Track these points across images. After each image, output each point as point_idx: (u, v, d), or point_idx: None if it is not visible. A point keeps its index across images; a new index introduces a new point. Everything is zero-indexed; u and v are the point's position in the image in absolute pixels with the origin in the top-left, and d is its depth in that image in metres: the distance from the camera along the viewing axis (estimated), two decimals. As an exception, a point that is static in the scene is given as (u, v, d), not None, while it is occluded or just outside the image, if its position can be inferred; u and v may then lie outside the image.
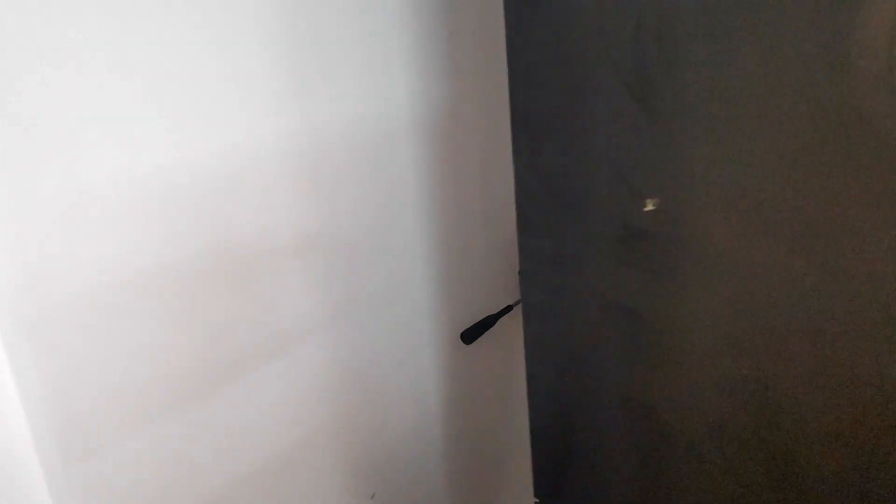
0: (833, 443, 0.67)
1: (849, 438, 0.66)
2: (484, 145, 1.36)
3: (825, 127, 0.63)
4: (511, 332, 1.67)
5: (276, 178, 0.98)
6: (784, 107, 0.65)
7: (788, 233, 0.67)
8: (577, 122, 0.81)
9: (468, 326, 1.45)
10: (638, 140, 0.75)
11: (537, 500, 0.95)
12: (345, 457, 1.16)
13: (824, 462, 0.68)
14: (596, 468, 0.89)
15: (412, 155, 1.22)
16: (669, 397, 0.76)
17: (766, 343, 0.70)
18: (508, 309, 1.54)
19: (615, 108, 0.76)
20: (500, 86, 1.39)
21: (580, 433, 0.91)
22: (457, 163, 1.31)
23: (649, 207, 0.71)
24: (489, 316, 1.49)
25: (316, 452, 1.10)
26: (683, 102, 0.71)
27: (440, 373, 1.38)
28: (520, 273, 1.59)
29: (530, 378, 0.98)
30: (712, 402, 0.73)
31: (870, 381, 0.65)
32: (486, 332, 1.46)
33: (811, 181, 0.66)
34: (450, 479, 1.43)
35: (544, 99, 0.85)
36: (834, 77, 0.62)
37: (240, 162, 0.93)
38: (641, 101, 0.74)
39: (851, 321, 0.66)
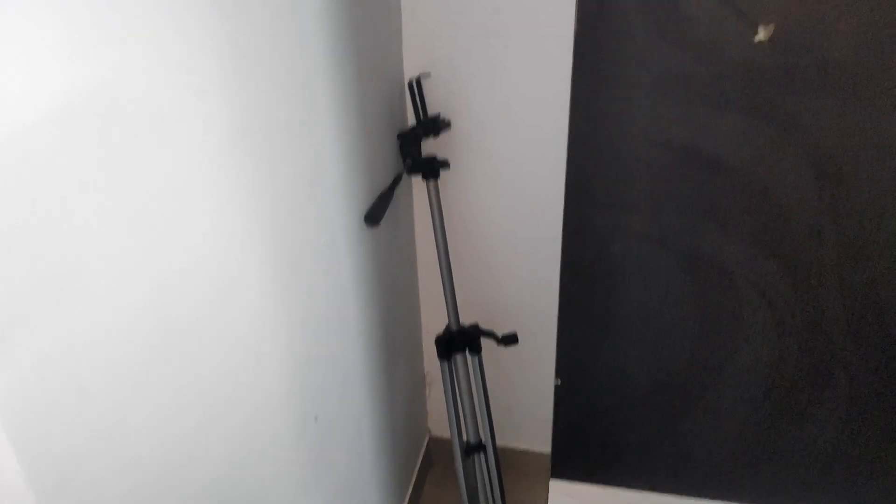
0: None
1: None
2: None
3: None
4: (400, 202, 1.55)
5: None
6: None
7: None
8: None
9: (367, 208, 1.29)
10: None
11: (558, 381, 0.89)
12: (288, 375, 1.03)
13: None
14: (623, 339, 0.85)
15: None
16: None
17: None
18: (398, 180, 1.40)
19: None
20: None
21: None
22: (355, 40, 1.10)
23: (760, 37, 0.61)
24: (383, 192, 1.35)
25: (259, 369, 0.96)
26: None
27: (355, 259, 1.23)
28: (398, 136, 1.45)
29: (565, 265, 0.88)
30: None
31: None
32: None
33: None
34: (369, 363, 1.35)
35: None
36: None
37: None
38: None
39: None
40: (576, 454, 0.94)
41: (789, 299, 0.78)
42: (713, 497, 0.87)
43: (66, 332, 0.61)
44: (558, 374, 0.89)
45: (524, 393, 1.79)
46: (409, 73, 1.47)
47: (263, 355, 0.96)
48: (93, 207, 0.62)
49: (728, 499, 0.86)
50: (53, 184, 0.57)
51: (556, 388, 0.90)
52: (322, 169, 1.10)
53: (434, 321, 1.76)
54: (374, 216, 1.30)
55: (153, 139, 0.68)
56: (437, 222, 1.47)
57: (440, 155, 1.50)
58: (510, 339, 1.54)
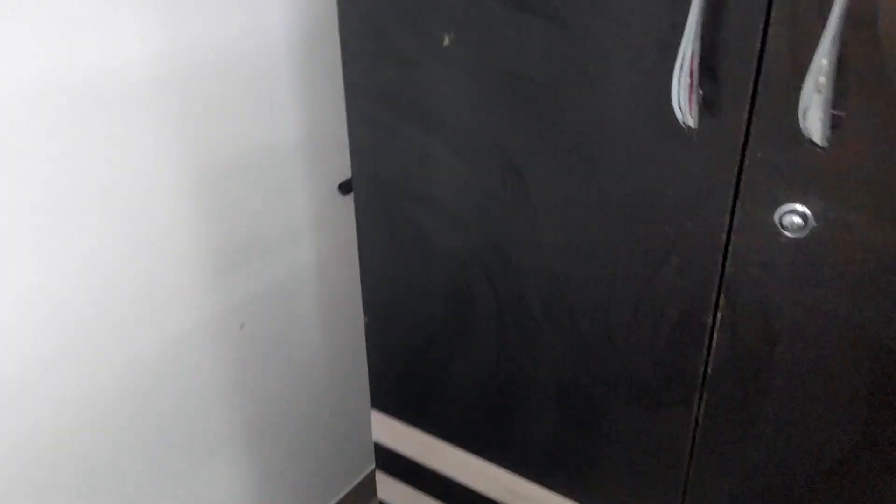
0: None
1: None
2: None
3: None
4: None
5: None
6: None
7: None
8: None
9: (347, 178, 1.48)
10: None
11: (367, 320, 1.06)
12: (215, 284, 1.22)
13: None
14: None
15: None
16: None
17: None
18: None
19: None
20: None
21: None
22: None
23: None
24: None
25: (184, 278, 1.16)
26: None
27: (317, 221, 1.41)
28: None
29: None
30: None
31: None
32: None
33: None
34: (321, 321, 1.52)
35: None
36: None
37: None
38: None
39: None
40: (393, 391, 1.08)
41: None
42: (527, 476, 1.00)
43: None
44: (365, 311, 1.05)
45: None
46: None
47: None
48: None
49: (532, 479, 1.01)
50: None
51: (367, 325, 1.06)
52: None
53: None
54: (349, 185, 1.48)
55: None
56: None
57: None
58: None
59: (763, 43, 0.61)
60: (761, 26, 0.60)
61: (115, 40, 0.96)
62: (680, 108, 0.64)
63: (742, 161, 0.66)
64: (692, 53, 0.61)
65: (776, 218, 0.66)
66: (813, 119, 0.58)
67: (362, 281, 1.03)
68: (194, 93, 1.09)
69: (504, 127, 0.80)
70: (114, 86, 0.97)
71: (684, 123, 0.65)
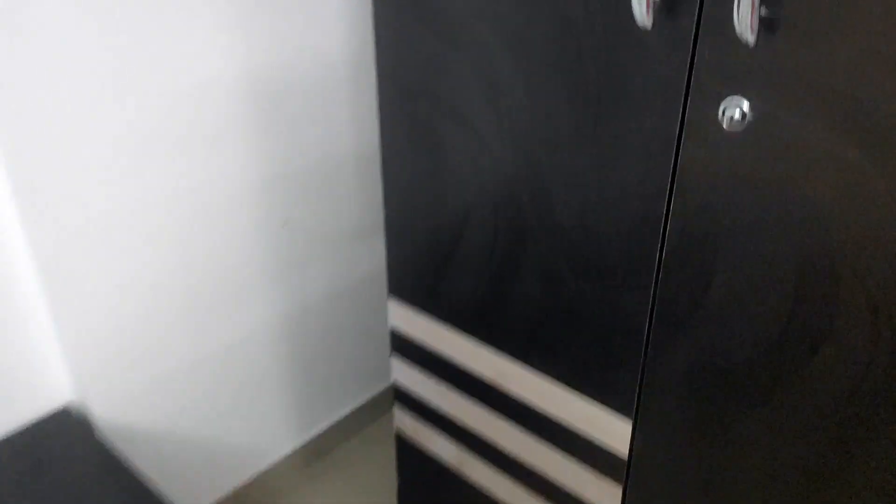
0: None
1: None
2: None
3: None
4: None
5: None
6: None
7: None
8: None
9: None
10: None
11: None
12: (257, 182, 1.38)
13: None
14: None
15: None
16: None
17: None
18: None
19: None
20: None
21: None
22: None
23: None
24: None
25: (229, 179, 1.33)
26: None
27: (354, 107, 1.54)
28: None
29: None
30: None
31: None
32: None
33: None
34: (361, 206, 1.66)
35: None
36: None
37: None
38: None
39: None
40: (406, 279, 1.19)
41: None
42: (512, 357, 1.12)
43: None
44: (385, 205, 1.16)
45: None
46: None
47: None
48: None
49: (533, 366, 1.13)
50: None
51: (386, 218, 1.19)
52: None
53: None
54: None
55: None
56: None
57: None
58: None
59: (710, -51, 0.68)
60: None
61: (207, 56, 1.18)
62: (638, 10, 0.73)
63: (692, 60, 0.74)
64: (648, -41, 0.70)
65: (719, 113, 0.73)
66: (743, 18, 0.66)
67: (383, 177, 1.15)
68: (270, 104, 1.30)
69: (497, 29, 0.89)
70: (205, 99, 1.19)
71: (642, 25, 0.74)
